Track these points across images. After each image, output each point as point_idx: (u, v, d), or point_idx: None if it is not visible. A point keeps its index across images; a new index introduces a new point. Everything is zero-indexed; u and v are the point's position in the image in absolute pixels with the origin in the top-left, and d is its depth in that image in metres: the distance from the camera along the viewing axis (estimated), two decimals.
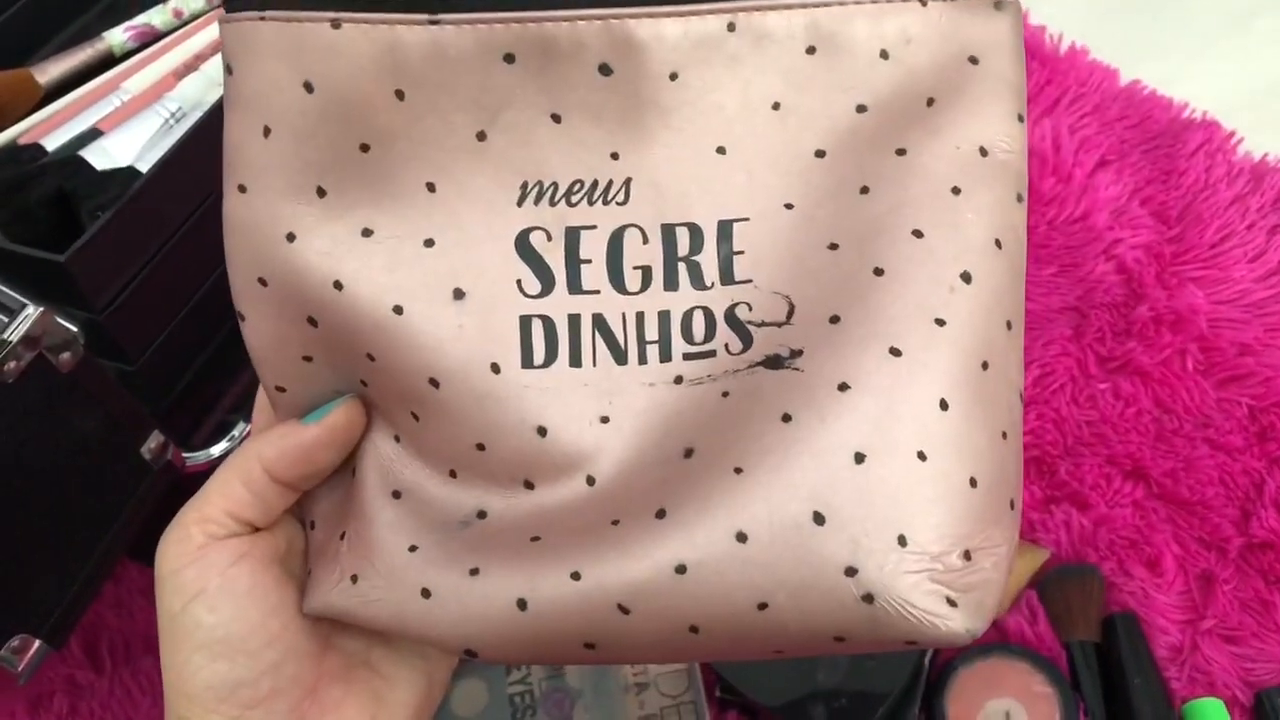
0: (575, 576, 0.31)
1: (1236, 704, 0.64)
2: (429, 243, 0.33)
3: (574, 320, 0.33)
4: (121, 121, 0.66)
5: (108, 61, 0.72)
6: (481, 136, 0.33)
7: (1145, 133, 0.91)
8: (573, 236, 0.33)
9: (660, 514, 0.31)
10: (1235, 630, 0.66)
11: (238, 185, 0.33)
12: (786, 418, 0.31)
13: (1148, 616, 0.67)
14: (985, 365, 0.32)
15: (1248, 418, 0.74)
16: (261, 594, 0.35)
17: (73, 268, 0.54)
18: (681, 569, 0.30)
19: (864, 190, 0.33)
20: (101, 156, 0.63)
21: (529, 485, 0.33)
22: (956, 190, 0.33)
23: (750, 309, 0.33)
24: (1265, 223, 0.83)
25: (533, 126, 0.33)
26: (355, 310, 0.33)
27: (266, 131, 0.33)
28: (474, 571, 0.32)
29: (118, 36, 0.72)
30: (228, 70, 0.33)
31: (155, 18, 0.73)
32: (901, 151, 0.33)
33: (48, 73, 0.70)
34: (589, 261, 0.33)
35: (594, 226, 0.33)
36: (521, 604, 0.31)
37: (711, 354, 0.33)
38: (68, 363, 0.53)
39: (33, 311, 0.51)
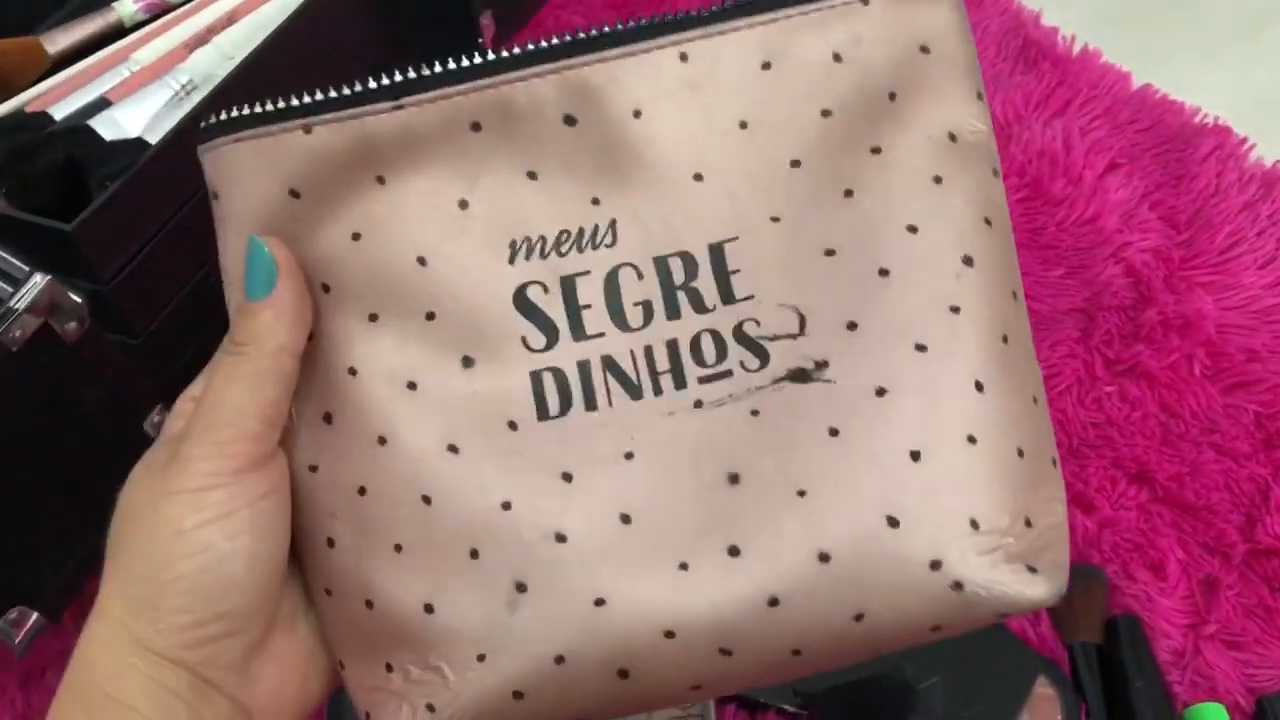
0: (669, 635, 0.32)
1: (1238, 709, 0.63)
2: (430, 315, 0.34)
3: (583, 366, 0.34)
4: (131, 92, 0.65)
5: (118, 32, 0.71)
6: (464, 205, 0.34)
7: (1156, 137, 0.91)
8: (568, 285, 0.34)
9: (733, 551, 0.32)
10: (1238, 636, 0.66)
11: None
12: (834, 432, 0.32)
13: (1151, 620, 0.66)
14: (1005, 339, 0.33)
15: (1254, 424, 0.74)
16: (275, 532, 0.34)
17: (79, 237, 0.54)
18: (774, 602, 0.31)
19: (848, 193, 0.34)
20: (110, 127, 0.62)
21: (561, 537, 0.33)
22: (938, 180, 0.34)
23: (759, 324, 0.33)
24: (1276, 230, 0.83)
25: (511, 187, 0.34)
26: (370, 395, 0.34)
27: None
28: (559, 659, 0.32)
29: (128, 7, 0.71)
30: (214, 196, 0.35)
31: None
32: (876, 150, 0.34)
33: (56, 42, 0.69)
34: (589, 306, 0.34)
35: (588, 272, 0.34)
36: (623, 673, 0.32)
37: (728, 374, 0.33)
38: (73, 333, 0.53)
39: (40, 280, 0.51)
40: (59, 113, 0.64)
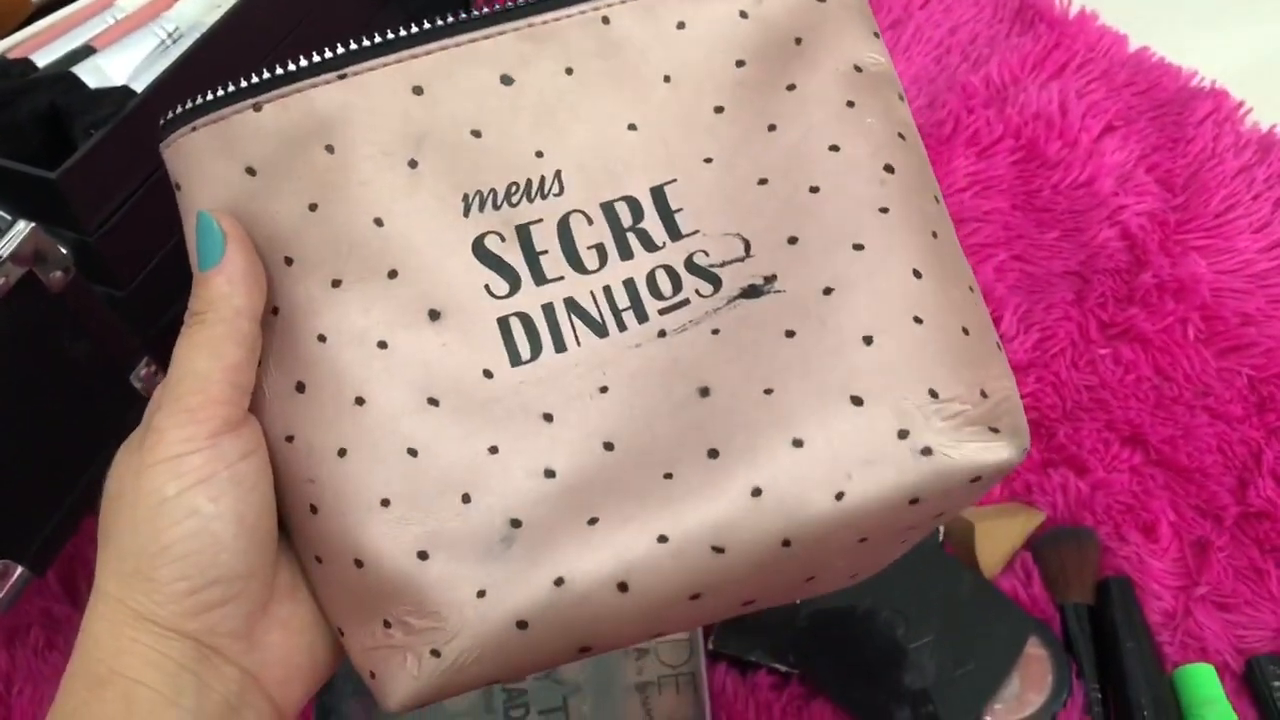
0: (662, 539, 0.33)
1: (1227, 670, 0.64)
2: (392, 274, 0.34)
3: (548, 309, 0.35)
4: (115, 40, 0.64)
5: None
6: (413, 164, 0.35)
7: (1153, 100, 0.90)
8: (524, 232, 0.35)
9: (713, 454, 0.33)
10: (1228, 597, 0.66)
11: None
12: (790, 333, 0.35)
13: (1142, 581, 0.67)
14: (934, 234, 0.36)
15: (1247, 388, 0.74)
16: (260, 493, 0.34)
17: (64, 185, 0.53)
18: (757, 491, 0.33)
19: (771, 128, 0.36)
20: (94, 74, 0.61)
21: (550, 473, 0.34)
22: (851, 104, 0.37)
23: (707, 254, 0.36)
24: (1271, 194, 0.82)
25: (457, 145, 0.36)
26: (342, 358, 0.34)
27: None
28: (559, 581, 0.33)
29: None
30: (177, 188, 0.36)
31: None
32: (791, 87, 0.37)
33: None
34: (545, 252, 0.35)
35: (540, 220, 0.36)
36: (622, 586, 0.33)
37: (685, 302, 0.35)
38: (59, 282, 0.52)
39: (24, 227, 0.50)
40: (42, 60, 0.63)
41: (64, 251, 0.52)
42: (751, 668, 0.64)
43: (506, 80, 0.36)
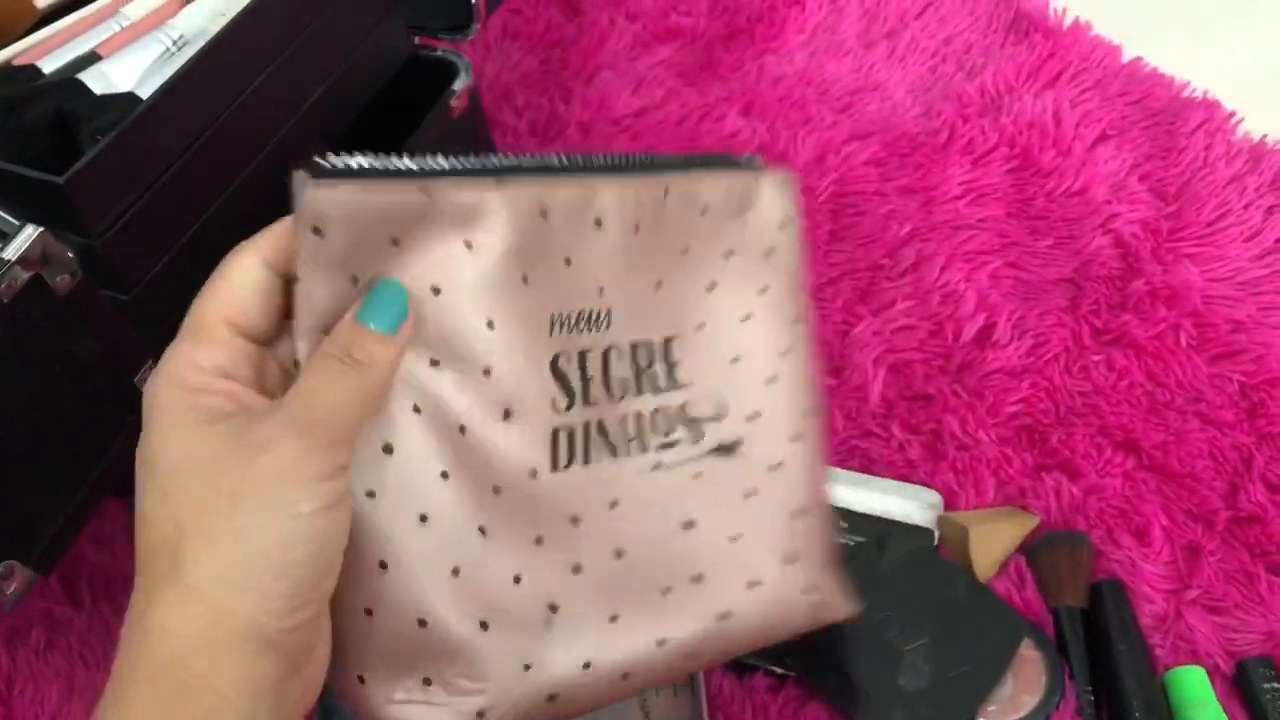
0: (661, 643, 0.42)
1: (1218, 672, 0.64)
2: (487, 371, 0.38)
3: (585, 427, 0.40)
4: (121, 47, 0.64)
5: None
6: (525, 280, 0.39)
7: (1146, 110, 0.91)
8: (581, 358, 0.40)
9: (696, 579, 0.42)
10: (1219, 601, 0.67)
11: (323, 328, 0.36)
12: (749, 493, 0.44)
13: (1134, 585, 0.67)
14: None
15: (1238, 394, 0.75)
16: (347, 531, 0.35)
17: (71, 190, 0.53)
18: (725, 615, 0.43)
19: (746, 318, 0.45)
20: (100, 81, 0.62)
21: (578, 569, 0.40)
22: (796, 320, 0.47)
23: (694, 408, 0.43)
24: (1262, 202, 0.83)
25: (555, 270, 0.40)
26: (430, 433, 0.37)
27: (354, 281, 0.36)
28: (586, 665, 0.40)
29: None
30: (316, 231, 0.35)
31: None
32: (764, 289, 0.45)
33: None
34: (593, 378, 0.41)
35: (591, 349, 0.41)
36: (625, 675, 0.41)
37: (676, 443, 0.42)
38: (65, 286, 0.52)
39: (32, 231, 0.50)
40: (48, 66, 0.63)
41: (71, 255, 0.52)
42: (748, 670, 0.65)
43: (598, 223, 0.40)
